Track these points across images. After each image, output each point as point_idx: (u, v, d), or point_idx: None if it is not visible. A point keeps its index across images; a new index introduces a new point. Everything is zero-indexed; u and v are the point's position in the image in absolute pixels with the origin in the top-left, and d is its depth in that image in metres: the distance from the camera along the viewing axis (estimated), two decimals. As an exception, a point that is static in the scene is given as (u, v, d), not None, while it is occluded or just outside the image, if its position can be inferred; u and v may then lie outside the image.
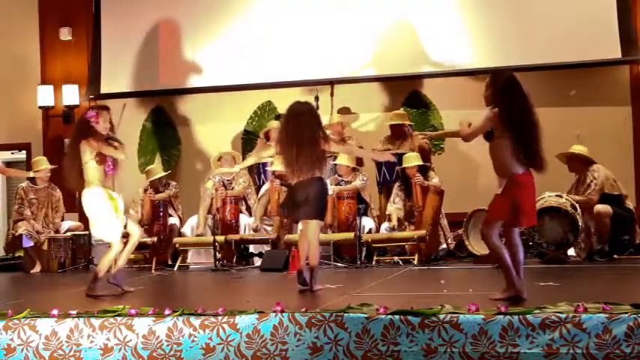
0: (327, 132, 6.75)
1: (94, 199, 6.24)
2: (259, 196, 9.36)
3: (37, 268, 9.34)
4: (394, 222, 8.70)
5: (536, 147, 5.01)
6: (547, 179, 8.49)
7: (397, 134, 9.38)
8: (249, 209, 9.51)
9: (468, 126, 5.18)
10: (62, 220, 9.83)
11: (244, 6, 10.48)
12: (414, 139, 9.34)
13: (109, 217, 6.25)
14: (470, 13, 9.82)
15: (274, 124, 9.65)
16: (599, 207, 8.01)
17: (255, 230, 9.12)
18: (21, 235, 9.40)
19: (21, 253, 9.72)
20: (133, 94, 10.62)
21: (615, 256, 8.04)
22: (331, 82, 10.24)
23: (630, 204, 8.33)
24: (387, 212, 8.93)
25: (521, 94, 5.09)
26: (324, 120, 8.50)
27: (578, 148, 8.44)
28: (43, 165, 9.65)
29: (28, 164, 11.14)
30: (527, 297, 4.96)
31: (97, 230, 6.39)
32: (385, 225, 8.82)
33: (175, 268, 8.90)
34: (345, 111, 10.24)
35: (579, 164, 8.36)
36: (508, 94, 5.05)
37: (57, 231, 9.57)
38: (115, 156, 6.32)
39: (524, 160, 5.01)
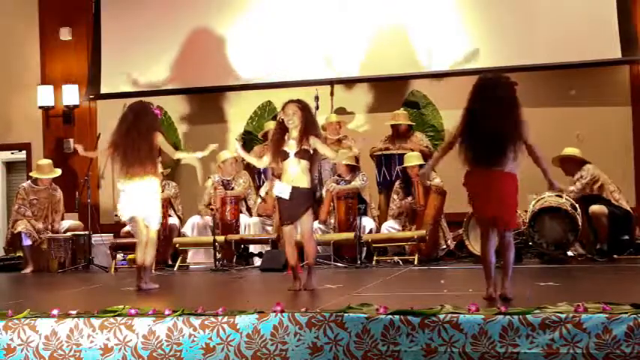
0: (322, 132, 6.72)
1: (152, 186, 6.70)
2: (259, 201, 9.39)
3: (29, 269, 9.31)
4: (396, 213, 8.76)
5: (485, 151, 5.05)
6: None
7: (398, 134, 9.39)
8: (249, 209, 9.52)
9: None
10: (62, 219, 9.83)
11: (244, 6, 10.48)
12: (415, 139, 9.35)
13: (159, 206, 6.82)
14: (470, 13, 9.82)
15: (272, 125, 9.64)
16: (595, 207, 8.01)
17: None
18: (20, 232, 9.38)
19: (21, 253, 9.71)
20: (133, 94, 10.61)
21: (615, 256, 8.04)
22: (331, 82, 10.23)
23: (624, 203, 8.31)
24: (390, 212, 8.95)
25: (485, 97, 5.09)
26: (321, 120, 8.50)
27: (570, 151, 8.43)
28: (49, 172, 9.64)
29: (28, 164, 11.15)
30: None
31: (145, 215, 6.73)
32: (389, 223, 8.82)
33: (175, 268, 8.91)
34: (341, 111, 10.24)
35: (573, 166, 8.36)
36: (473, 96, 5.13)
37: (56, 232, 9.55)
38: (170, 154, 7.05)
39: (470, 160, 5.11)
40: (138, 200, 6.65)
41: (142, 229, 6.73)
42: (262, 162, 6.41)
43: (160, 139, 6.73)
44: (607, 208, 8.01)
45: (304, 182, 5.99)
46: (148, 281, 6.67)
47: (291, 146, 6.02)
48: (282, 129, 6.07)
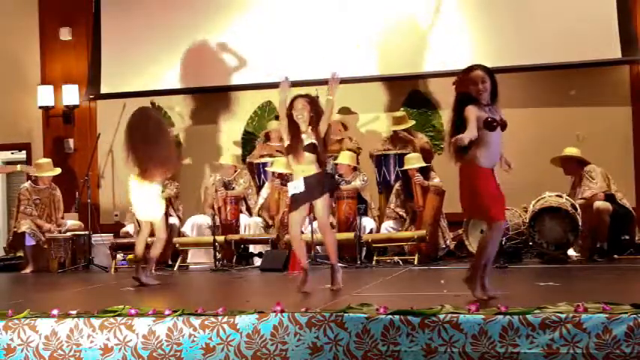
0: None
1: (157, 192, 6.96)
2: (261, 201, 9.38)
3: (29, 269, 9.30)
4: (398, 211, 8.75)
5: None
6: (547, 179, 8.59)
7: (399, 137, 9.39)
8: (249, 209, 9.52)
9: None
10: (62, 218, 9.83)
11: (244, 6, 10.49)
12: (416, 140, 9.34)
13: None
14: (470, 13, 9.82)
15: (274, 125, 9.67)
16: (599, 204, 8.01)
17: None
18: (23, 232, 9.36)
19: (22, 253, 9.70)
20: (133, 94, 10.62)
21: (615, 255, 8.04)
22: (331, 82, 10.21)
23: (626, 202, 8.32)
24: (387, 214, 8.94)
25: None
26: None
27: (571, 151, 8.43)
28: (49, 169, 9.62)
29: (28, 164, 11.12)
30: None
31: (149, 214, 6.99)
32: (389, 223, 8.82)
33: (175, 268, 8.91)
34: (345, 111, 10.23)
35: (574, 166, 8.36)
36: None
37: (62, 227, 9.55)
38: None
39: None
40: (145, 204, 6.88)
41: (145, 225, 6.95)
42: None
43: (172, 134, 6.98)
44: (612, 206, 8.00)
45: (313, 170, 5.97)
46: (149, 275, 6.85)
47: (303, 140, 6.02)
48: (294, 124, 6.07)
